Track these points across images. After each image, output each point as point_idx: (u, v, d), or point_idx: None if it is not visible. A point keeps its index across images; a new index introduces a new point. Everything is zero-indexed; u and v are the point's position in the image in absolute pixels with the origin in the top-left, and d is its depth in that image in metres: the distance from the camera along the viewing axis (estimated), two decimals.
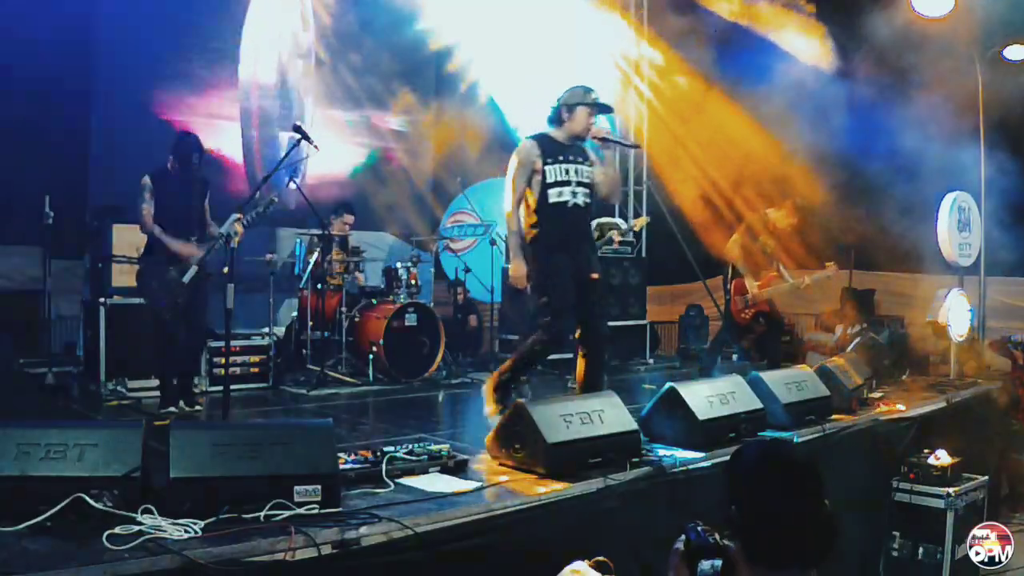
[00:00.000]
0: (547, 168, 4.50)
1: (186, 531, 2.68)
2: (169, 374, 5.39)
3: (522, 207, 4.58)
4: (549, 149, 4.50)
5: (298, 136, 4.85)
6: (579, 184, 4.51)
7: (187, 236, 5.20)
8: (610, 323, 5.92)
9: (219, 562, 2.54)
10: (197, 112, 8.84)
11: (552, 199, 4.45)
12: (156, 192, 5.17)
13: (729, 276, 7.15)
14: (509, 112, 10.05)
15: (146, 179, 5.20)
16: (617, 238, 8.50)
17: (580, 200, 4.52)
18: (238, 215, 4.49)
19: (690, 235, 9.73)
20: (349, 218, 7.62)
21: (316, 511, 2.93)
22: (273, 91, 9.49)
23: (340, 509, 3.00)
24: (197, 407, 5.47)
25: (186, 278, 4.61)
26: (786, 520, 1.79)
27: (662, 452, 4.15)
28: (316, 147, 4.86)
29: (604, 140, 4.58)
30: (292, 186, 7.13)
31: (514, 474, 3.69)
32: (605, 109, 4.62)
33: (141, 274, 5.39)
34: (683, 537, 2.01)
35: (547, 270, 4.48)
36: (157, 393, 5.88)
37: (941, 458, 5.21)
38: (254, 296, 7.55)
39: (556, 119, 4.55)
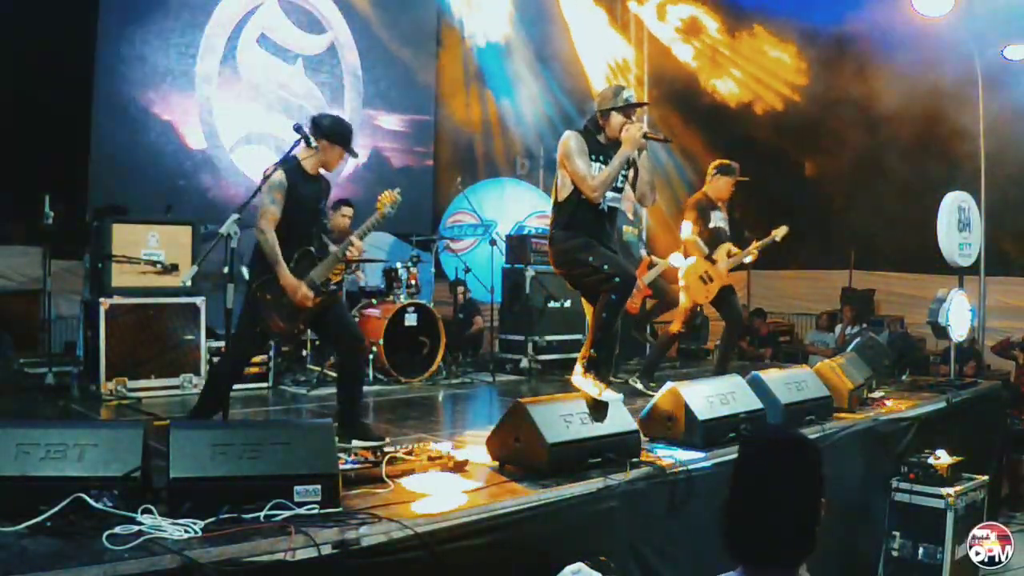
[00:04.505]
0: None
1: (186, 531, 2.68)
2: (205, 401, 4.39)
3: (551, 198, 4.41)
4: (590, 145, 4.32)
5: (297, 136, 4.84)
6: (612, 188, 4.33)
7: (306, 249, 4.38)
8: None
9: (219, 562, 2.54)
10: (197, 112, 8.85)
11: (583, 195, 4.26)
12: (288, 195, 4.26)
13: None
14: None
15: (280, 175, 4.24)
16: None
17: (611, 204, 4.37)
18: (237, 216, 4.48)
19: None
20: (347, 210, 7.59)
21: (316, 511, 2.93)
22: (275, 91, 9.47)
23: (340, 509, 3.00)
24: (377, 442, 4.12)
25: (185, 279, 4.55)
26: (760, 517, 1.69)
27: (662, 452, 4.16)
28: (316, 147, 4.81)
29: (646, 137, 4.26)
30: None
31: (514, 474, 3.69)
32: (637, 107, 4.45)
33: (257, 293, 4.31)
34: None
35: (576, 246, 4.25)
36: (157, 393, 5.89)
37: (941, 458, 5.21)
38: None
39: (595, 125, 4.42)
